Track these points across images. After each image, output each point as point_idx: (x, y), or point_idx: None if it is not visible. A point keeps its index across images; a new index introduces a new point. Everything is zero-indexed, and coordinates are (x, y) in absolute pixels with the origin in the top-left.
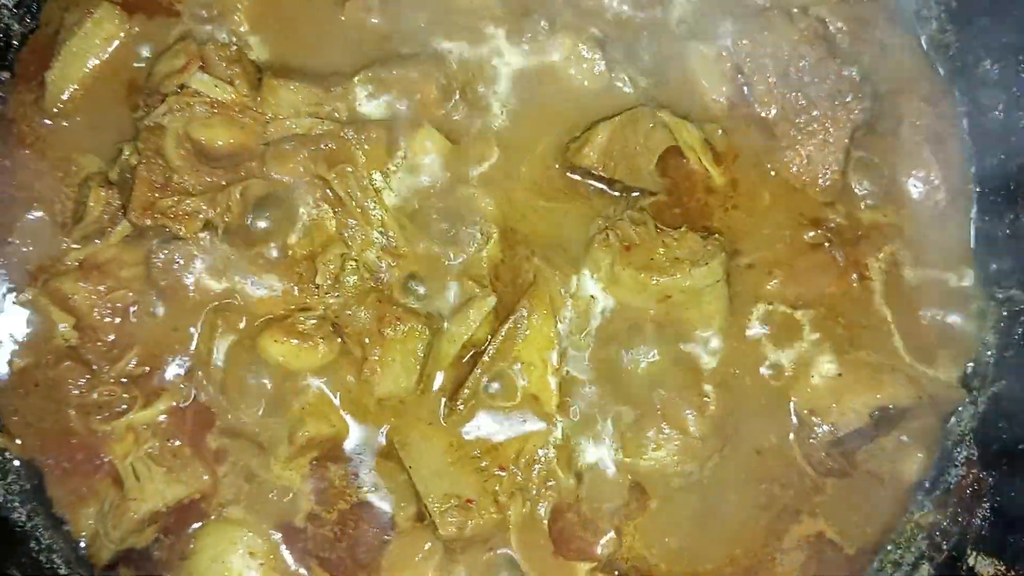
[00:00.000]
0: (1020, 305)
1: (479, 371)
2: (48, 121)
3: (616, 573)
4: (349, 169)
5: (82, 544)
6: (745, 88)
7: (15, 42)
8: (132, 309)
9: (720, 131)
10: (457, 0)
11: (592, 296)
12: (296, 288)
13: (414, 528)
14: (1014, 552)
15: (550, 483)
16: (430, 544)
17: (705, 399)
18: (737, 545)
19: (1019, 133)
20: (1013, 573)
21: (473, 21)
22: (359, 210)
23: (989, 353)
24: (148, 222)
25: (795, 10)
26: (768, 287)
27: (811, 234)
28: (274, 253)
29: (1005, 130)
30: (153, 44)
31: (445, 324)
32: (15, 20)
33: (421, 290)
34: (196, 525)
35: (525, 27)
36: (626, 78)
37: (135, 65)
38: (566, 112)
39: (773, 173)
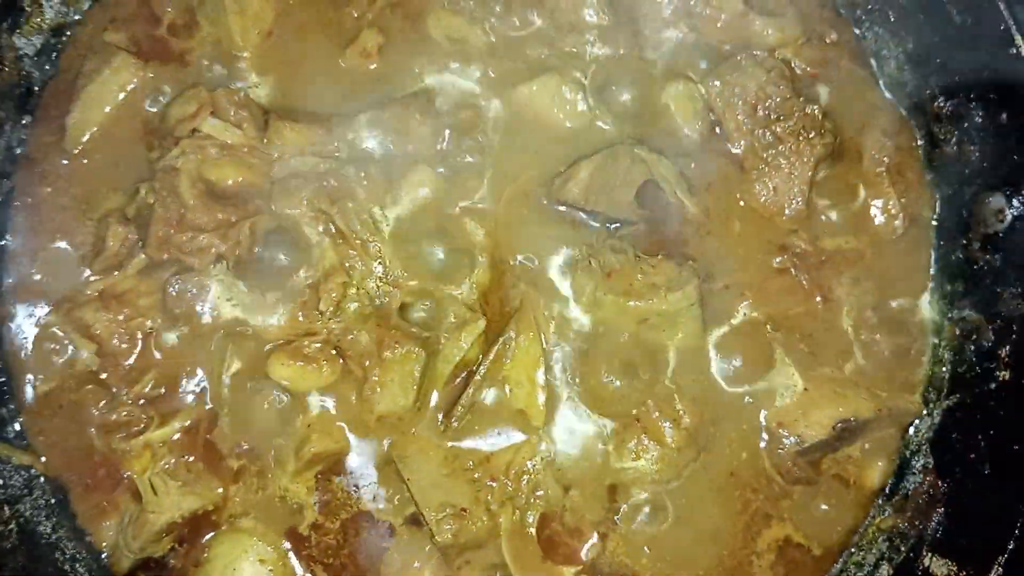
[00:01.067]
0: (972, 325)
1: (471, 389)
2: (69, 161)
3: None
4: (350, 204)
5: (104, 554)
6: (716, 125)
7: (36, 87)
8: (149, 336)
9: (693, 165)
10: (447, 46)
11: (576, 319)
12: (301, 314)
13: (412, 535)
14: (966, 553)
15: (538, 492)
16: (427, 550)
17: (680, 412)
18: (714, 549)
19: (970, 164)
20: (964, 573)
21: (463, 65)
22: (359, 242)
23: (944, 369)
24: (165, 256)
25: (763, 53)
26: (740, 309)
27: (778, 259)
28: (281, 283)
29: (958, 162)
30: (167, 90)
31: (439, 346)
32: (36, 68)
33: (417, 315)
34: (209, 535)
35: (512, 70)
36: (606, 117)
37: (150, 109)
38: (550, 148)
39: (743, 203)
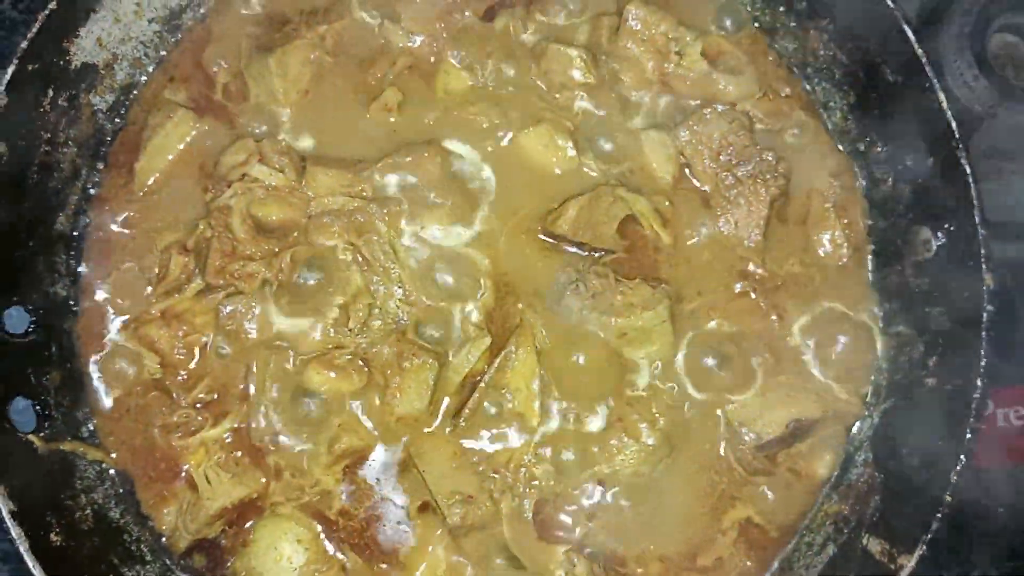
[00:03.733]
0: (906, 338)
1: (477, 395)
2: (136, 201)
3: (587, 550)
4: (375, 237)
5: (163, 536)
6: (686, 168)
7: (108, 138)
8: (204, 349)
9: (667, 202)
10: (454, 100)
11: (566, 334)
12: (332, 331)
13: (426, 519)
14: (896, 534)
15: (533, 482)
16: (439, 531)
17: (656, 414)
18: (685, 528)
19: (903, 200)
20: (894, 550)
21: (471, 117)
22: (382, 269)
23: (883, 376)
24: (220, 282)
25: (726, 107)
26: (707, 326)
27: (740, 284)
28: (315, 304)
29: (893, 198)
30: (220, 139)
31: (450, 359)
32: (108, 121)
33: (431, 332)
34: (254, 519)
35: (511, 120)
36: (592, 162)
37: (205, 156)
38: (544, 188)
39: (709, 235)
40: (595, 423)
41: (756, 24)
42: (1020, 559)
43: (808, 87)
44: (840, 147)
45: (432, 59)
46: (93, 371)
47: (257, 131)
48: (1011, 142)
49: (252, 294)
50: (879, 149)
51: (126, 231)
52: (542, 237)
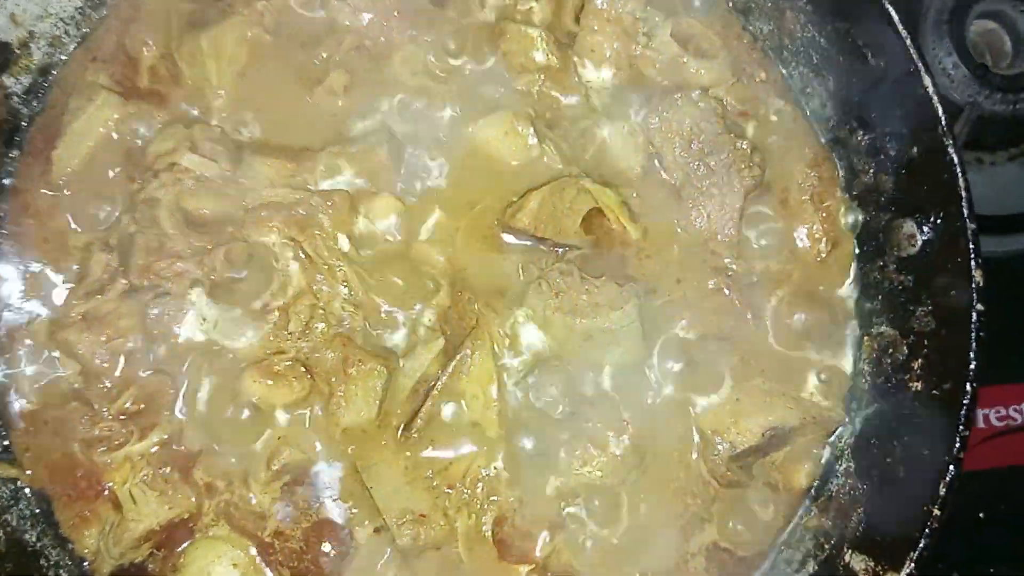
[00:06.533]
0: (888, 339)
1: (430, 403)
2: (54, 192)
3: (550, 573)
4: (317, 232)
5: (86, 561)
6: (655, 159)
7: (24, 123)
8: (129, 356)
9: (635, 194)
10: (407, 84)
11: (526, 336)
12: (272, 334)
13: (373, 539)
14: (881, 550)
15: (492, 498)
16: (388, 553)
17: (623, 422)
18: (654, 549)
19: (885, 192)
20: (880, 568)
21: (422, 102)
22: (326, 267)
23: (864, 381)
24: (145, 282)
25: (697, 92)
26: (678, 327)
27: (713, 281)
28: (253, 305)
29: (875, 190)
30: (147, 126)
31: (400, 363)
32: (24, 104)
33: (380, 335)
34: (186, 542)
35: (468, 107)
36: (554, 150)
37: (131, 143)
38: (503, 178)
39: (679, 230)
40: (558, 433)
41: (729, 4)
42: (999, 563)
43: (784, 71)
44: (819, 136)
45: (382, 39)
46: (6, 380)
47: (189, 116)
48: (991, 133)
49: (182, 295)
50: (859, 138)
51: (43, 225)
52: (501, 231)
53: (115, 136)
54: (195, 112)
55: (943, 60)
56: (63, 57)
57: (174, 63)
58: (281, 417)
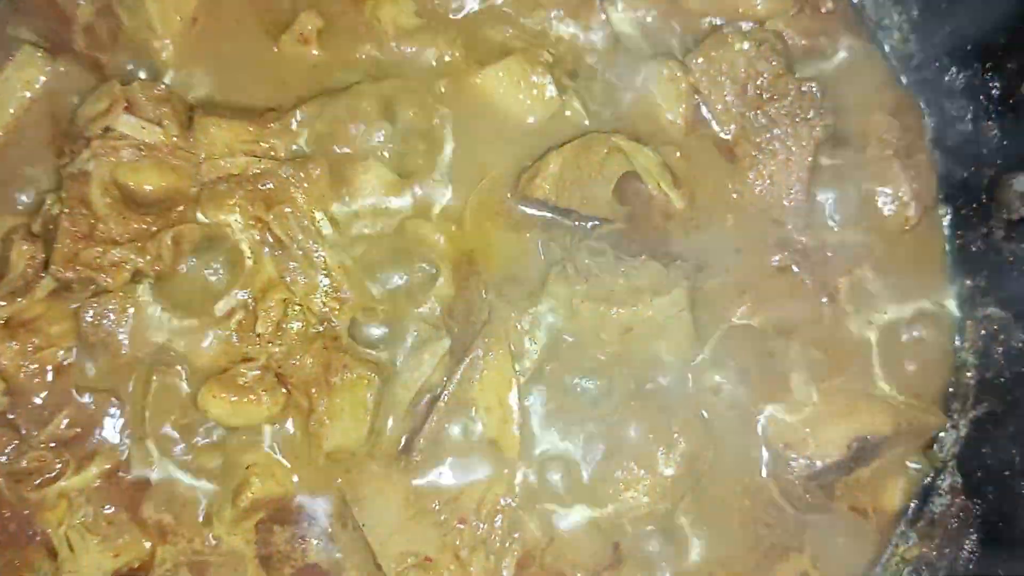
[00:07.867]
0: (999, 323)
1: (435, 418)
2: None
3: None
4: (288, 210)
5: None
6: (703, 108)
7: None
8: (62, 368)
9: (678, 153)
10: (396, 28)
11: (550, 331)
12: (236, 338)
13: None
14: None
15: (515, 534)
16: None
17: (675, 435)
18: None
19: (989, 143)
20: None
21: (416, 49)
22: (301, 252)
23: (969, 375)
24: (71, 275)
25: (751, 25)
26: (737, 314)
27: (777, 257)
28: (211, 302)
29: (975, 140)
30: (80, 85)
31: (397, 369)
32: None
33: (370, 334)
34: None
35: (471, 53)
36: (578, 102)
37: (60, 107)
38: (517, 139)
39: (735, 195)
40: (592, 450)
41: None
42: None
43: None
44: (901, 76)
45: None
46: None
47: (128, 73)
48: None
49: (127, 293)
50: (953, 76)
51: None
52: (516, 203)
53: (41, 100)
54: (136, 68)
55: None
56: None
57: (111, 10)
58: (249, 440)
